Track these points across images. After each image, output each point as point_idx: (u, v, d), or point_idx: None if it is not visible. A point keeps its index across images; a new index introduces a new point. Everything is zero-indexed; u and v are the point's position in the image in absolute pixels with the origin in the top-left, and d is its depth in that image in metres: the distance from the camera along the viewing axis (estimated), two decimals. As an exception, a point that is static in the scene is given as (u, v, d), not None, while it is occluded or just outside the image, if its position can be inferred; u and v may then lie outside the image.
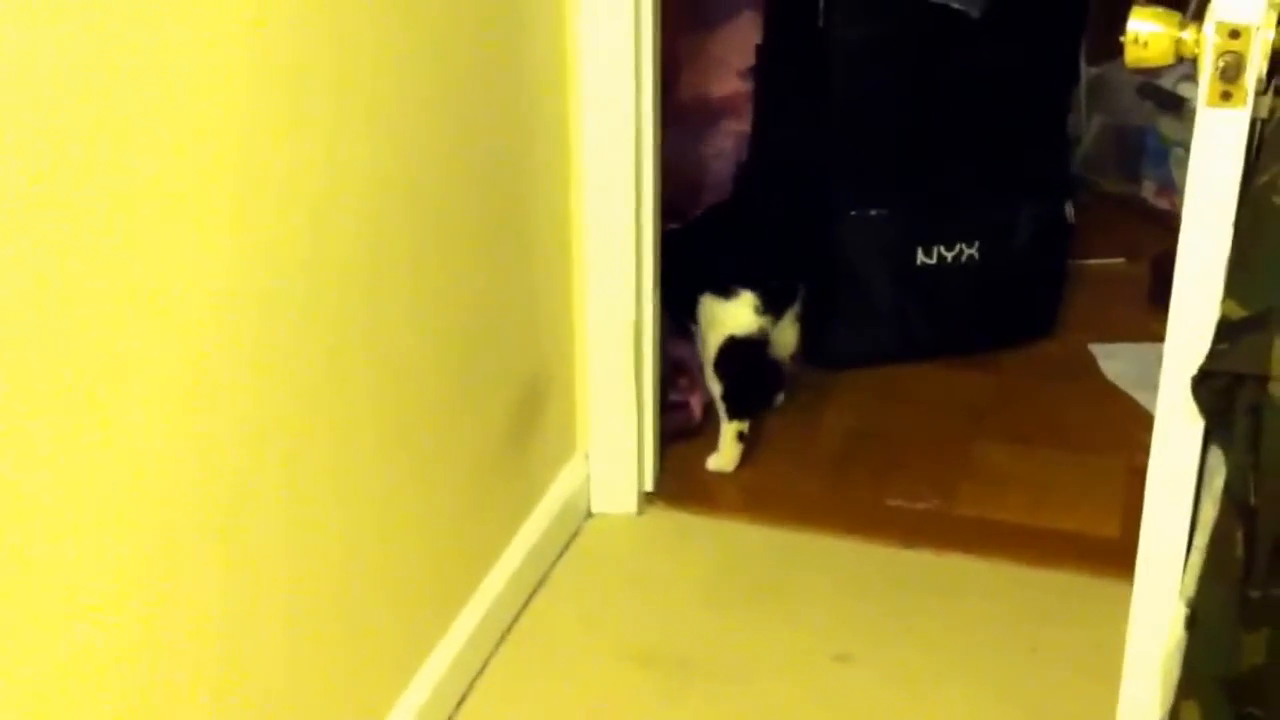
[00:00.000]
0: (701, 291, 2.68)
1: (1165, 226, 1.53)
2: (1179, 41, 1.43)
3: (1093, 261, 3.38)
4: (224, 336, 1.53)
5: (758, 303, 2.63)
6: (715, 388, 2.69)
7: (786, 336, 2.74)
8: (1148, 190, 3.63)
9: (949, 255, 2.98)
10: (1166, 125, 3.51)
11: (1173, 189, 3.44)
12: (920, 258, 2.97)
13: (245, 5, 1.49)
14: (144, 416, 1.42)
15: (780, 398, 2.86)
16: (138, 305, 1.39)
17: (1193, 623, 1.59)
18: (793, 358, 2.80)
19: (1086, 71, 3.62)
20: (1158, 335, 1.57)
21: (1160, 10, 1.44)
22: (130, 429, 1.41)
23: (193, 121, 1.43)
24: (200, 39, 1.43)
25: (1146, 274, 3.14)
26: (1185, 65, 1.46)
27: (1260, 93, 1.43)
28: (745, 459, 2.70)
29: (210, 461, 1.54)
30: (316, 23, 1.63)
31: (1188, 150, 1.49)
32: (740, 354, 2.66)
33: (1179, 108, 3.44)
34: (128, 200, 1.36)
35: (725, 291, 2.64)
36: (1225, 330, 1.48)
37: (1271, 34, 1.40)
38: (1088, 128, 3.75)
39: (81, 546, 1.37)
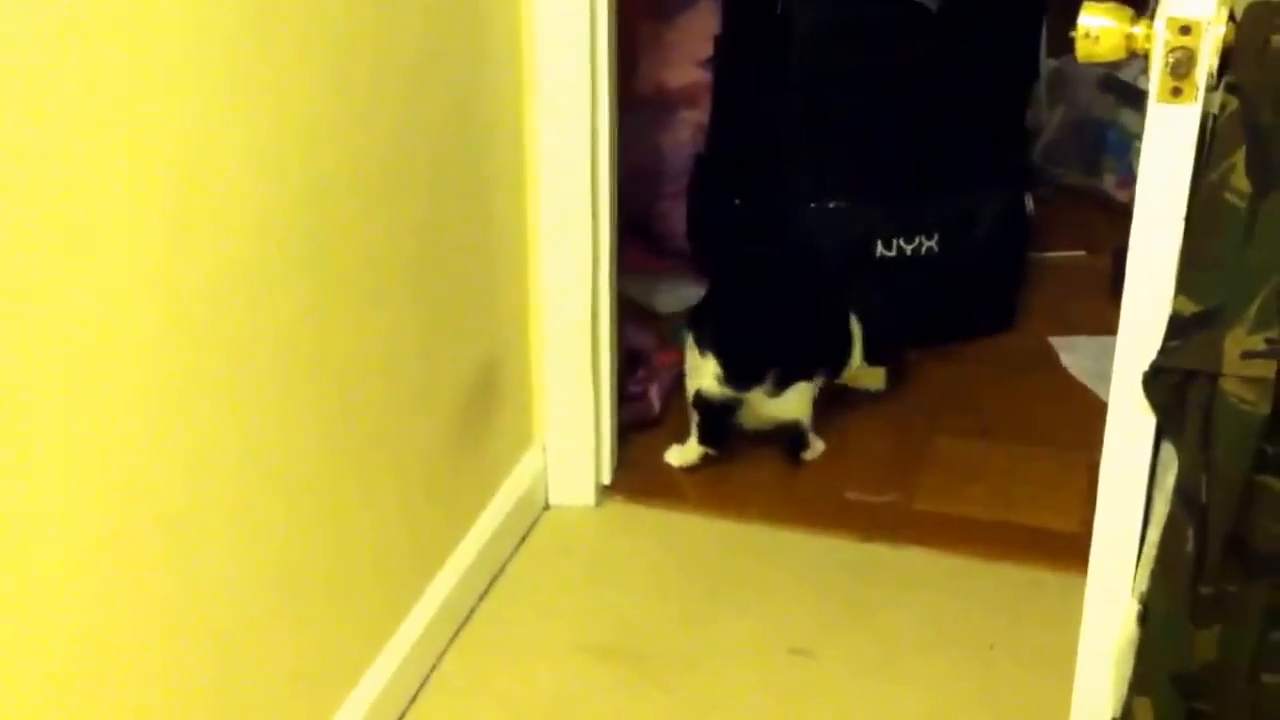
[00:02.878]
0: (701, 321, 2.68)
1: (1126, 219, 1.53)
2: (1130, 37, 1.43)
3: (1053, 254, 3.39)
4: (169, 326, 1.52)
5: (719, 372, 2.60)
6: (693, 415, 2.67)
7: (766, 408, 2.66)
8: (1108, 183, 3.64)
9: (908, 248, 2.97)
10: (1127, 118, 3.52)
11: (1133, 182, 3.40)
12: (880, 250, 2.97)
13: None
14: (87, 412, 1.41)
15: (807, 454, 2.73)
16: (81, 300, 1.38)
17: (1145, 619, 1.60)
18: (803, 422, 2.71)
19: (1047, 64, 3.63)
20: (1117, 329, 1.57)
21: (1112, 5, 1.44)
22: (74, 425, 1.39)
23: (135, 113, 1.42)
24: (140, 35, 1.41)
25: (1107, 267, 3.14)
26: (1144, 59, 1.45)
27: (1211, 88, 1.42)
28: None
29: (156, 453, 1.52)
30: (262, 11, 1.61)
31: (1149, 143, 1.49)
32: (708, 406, 2.64)
33: (1140, 101, 3.44)
34: (68, 195, 1.34)
35: (700, 347, 2.63)
36: (1177, 326, 1.48)
37: (1222, 29, 1.39)
38: (1049, 120, 3.76)
39: (22, 541, 1.35)
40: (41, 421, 1.36)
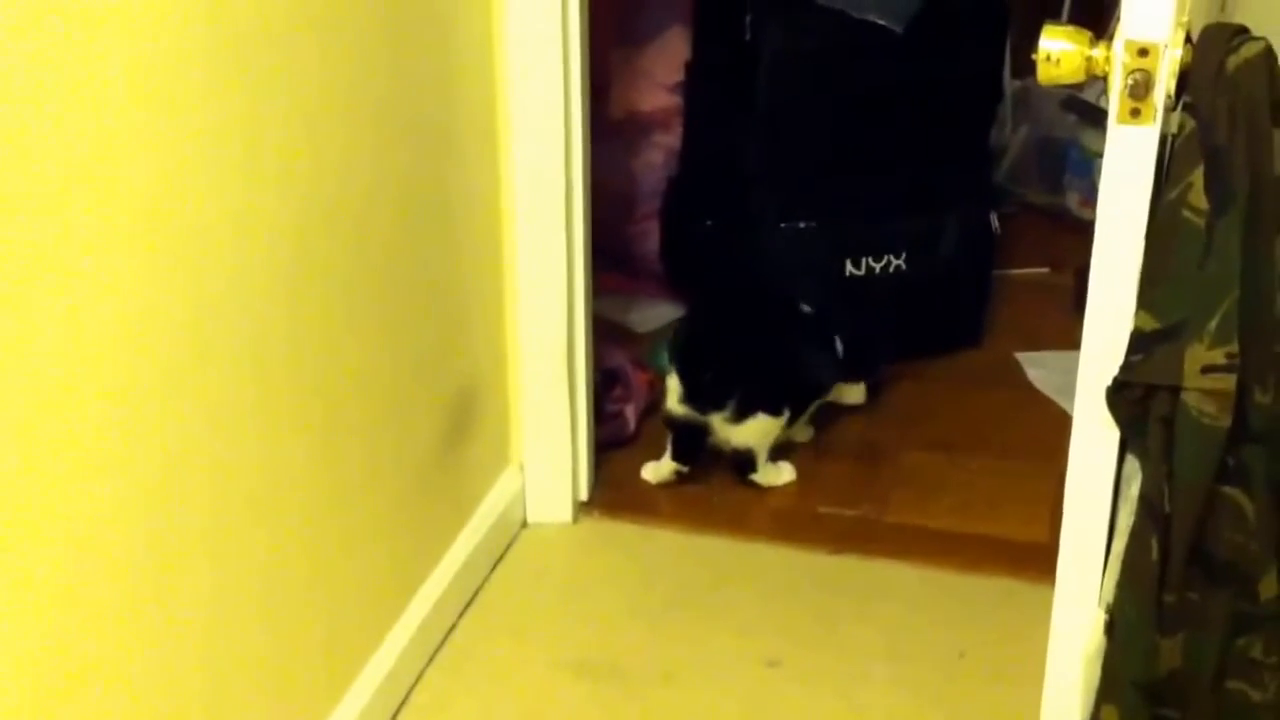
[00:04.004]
0: (674, 341, 2.72)
1: (1089, 237, 1.57)
2: (1090, 59, 1.46)
3: (1018, 271, 3.42)
4: (144, 351, 1.53)
5: (681, 392, 2.62)
6: (669, 432, 2.69)
7: (725, 433, 2.64)
8: (1072, 201, 3.67)
9: (876, 266, 3.00)
10: (1090, 137, 3.55)
11: (1096, 200, 3.47)
12: (849, 269, 3.00)
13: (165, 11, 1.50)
14: (62, 432, 1.42)
15: (757, 477, 2.71)
16: (56, 320, 1.39)
17: (1111, 628, 1.63)
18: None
19: (1011, 84, 3.66)
20: (1081, 344, 1.60)
21: (1072, 29, 1.47)
22: (48, 443, 1.41)
23: (110, 148, 1.43)
24: (117, 51, 1.43)
25: (1071, 283, 3.18)
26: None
27: (1169, 109, 1.46)
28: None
29: (131, 478, 1.53)
30: (237, 39, 1.63)
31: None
32: (674, 424, 2.66)
33: (1101, 121, 3.46)
34: (38, 209, 1.35)
35: (671, 366, 2.65)
36: (1139, 342, 1.51)
37: (1179, 52, 1.43)
38: (1013, 140, 3.79)
39: (5, 551, 1.36)
40: (27, 437, 1.37)
